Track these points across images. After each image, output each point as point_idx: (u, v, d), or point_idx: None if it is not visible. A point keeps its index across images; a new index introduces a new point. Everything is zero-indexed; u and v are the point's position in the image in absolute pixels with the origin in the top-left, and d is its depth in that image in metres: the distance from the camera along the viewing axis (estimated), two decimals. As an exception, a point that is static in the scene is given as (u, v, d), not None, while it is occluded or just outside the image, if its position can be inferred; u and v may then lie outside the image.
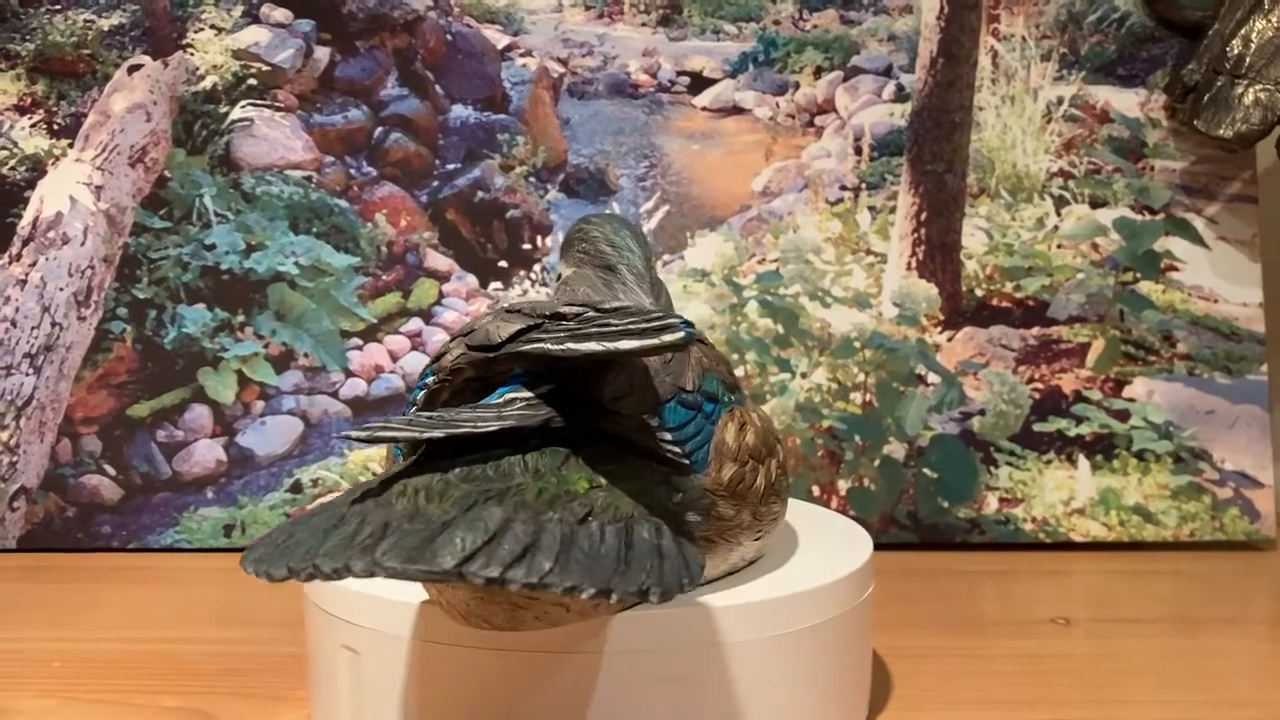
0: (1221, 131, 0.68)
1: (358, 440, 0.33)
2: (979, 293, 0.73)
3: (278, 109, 0.71)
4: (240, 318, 0.71)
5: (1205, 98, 0.69)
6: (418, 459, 0.34)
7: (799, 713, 0.40)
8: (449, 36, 0.73)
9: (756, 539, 0.41)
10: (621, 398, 0.36)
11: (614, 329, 0.34)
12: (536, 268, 0.73)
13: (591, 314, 0.36)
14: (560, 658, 0.38)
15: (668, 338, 0.32)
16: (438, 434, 0.33)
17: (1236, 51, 0.68)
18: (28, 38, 0.70)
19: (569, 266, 0.48)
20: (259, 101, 0.71)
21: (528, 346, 0.35)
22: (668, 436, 0.37)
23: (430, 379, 0.39)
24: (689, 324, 0.34)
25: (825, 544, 0.46)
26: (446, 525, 0.30)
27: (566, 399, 0.35)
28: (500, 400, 0.36)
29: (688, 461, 0.37)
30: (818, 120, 0.74)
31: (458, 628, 0.37)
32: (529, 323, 0.36)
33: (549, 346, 0.34)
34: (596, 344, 0.33)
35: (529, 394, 0.36)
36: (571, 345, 0.33)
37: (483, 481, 0.33)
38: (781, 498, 0.42)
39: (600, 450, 0.35)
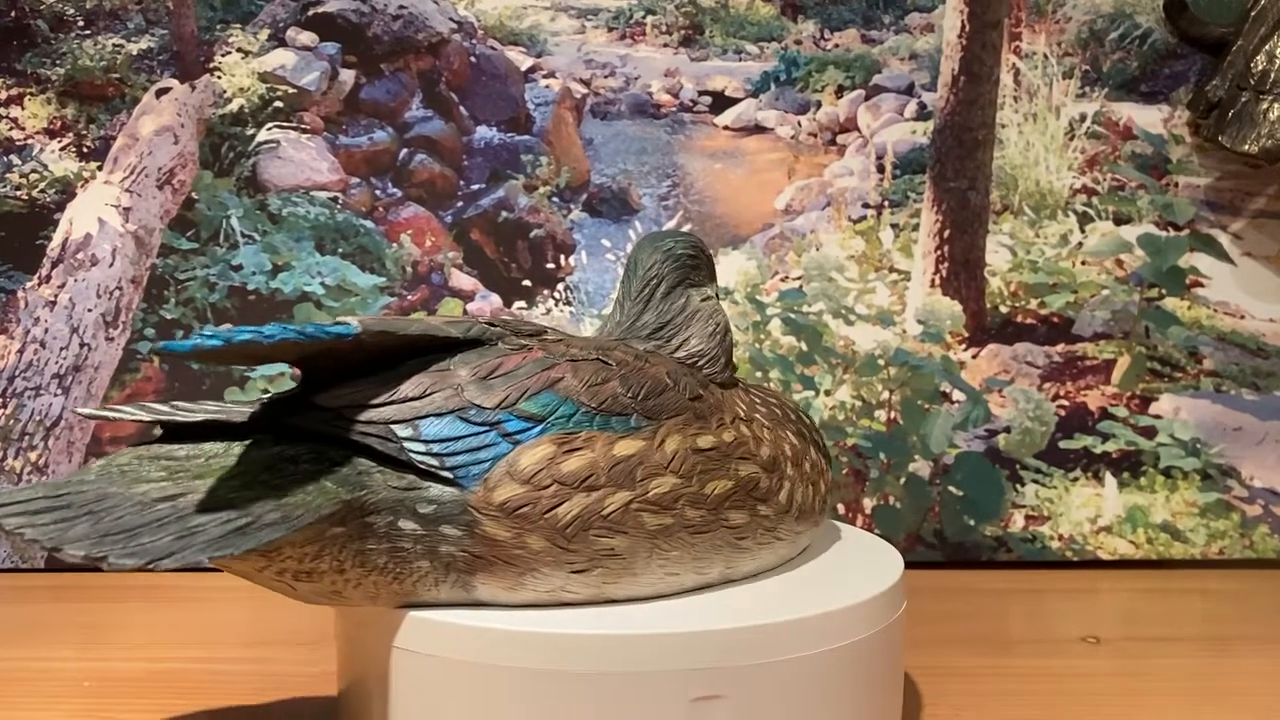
0: (1246, 147, 0.68)
1: (86, 417, 0.43)
2: (1003, 310, 0.73)
3: (304, 131, 0.72)
4: (266, 338, 0.72)
5: (1229, 114, 0.69)
6: (159, 438, 0.40)
7: (832, 732, 0.40)
8: (473, 59, 0.73)
9: (575, 572, 0.39)
10: (360, 406, 0.39)
11: None
12: (560, 286, 0.73)
13: None
14: (592, 678, 0.38)
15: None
16: (144, 418, 0.40)
17: (1260, 67, 0.68)
18: (58, 62, 0.71)
19: None
20: (285, 124, 0.72)
21: None
22: (417, 447, 0.38)
23: None
24: (326, 336, 0.37)
25: (856, 562, 0.46)
26: (68, 493, 0.37)
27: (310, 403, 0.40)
28: (254, 399, 0.43)
29: (448, 474, 0.38)
30: (840, 139, 0.74)
31: (493, 645, 0.37)
32: None
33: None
34: None
35: (269, 395, 0.42)
36: None
37: (164, 460, 0.39)
38: (640, 533, 0.39)
39: (313, 449, 0.39)
